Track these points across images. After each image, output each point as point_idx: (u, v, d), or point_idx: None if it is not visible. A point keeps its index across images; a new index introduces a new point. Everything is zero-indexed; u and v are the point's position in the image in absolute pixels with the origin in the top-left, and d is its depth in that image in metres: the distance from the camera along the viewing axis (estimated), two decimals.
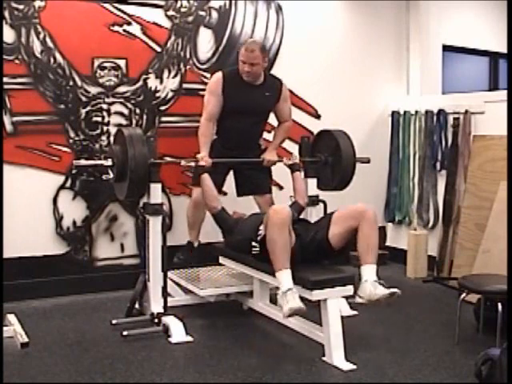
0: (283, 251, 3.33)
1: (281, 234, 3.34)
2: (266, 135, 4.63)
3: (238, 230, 3.89)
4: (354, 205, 3.60)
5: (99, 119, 4.56)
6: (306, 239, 3.61)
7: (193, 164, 4.06)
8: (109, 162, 3.84)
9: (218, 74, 4.26)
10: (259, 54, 4.13)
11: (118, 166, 3.78)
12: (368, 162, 4.52)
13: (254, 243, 3.69)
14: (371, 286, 3.34)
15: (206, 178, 3.97)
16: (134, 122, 4.66)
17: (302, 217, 4.08)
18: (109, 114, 4.59)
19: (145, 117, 4.70)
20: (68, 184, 4.51)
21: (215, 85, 4.21)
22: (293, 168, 4.28)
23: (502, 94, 4.60)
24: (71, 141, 4.49)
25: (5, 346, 3.43)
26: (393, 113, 5.64)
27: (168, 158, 4.47)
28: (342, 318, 3.46)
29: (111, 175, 3.85)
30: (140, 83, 4.67)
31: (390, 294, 3.31)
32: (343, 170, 4.31)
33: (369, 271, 3.41)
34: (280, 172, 4.57)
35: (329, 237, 3.59)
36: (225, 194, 4.51)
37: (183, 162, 3.99)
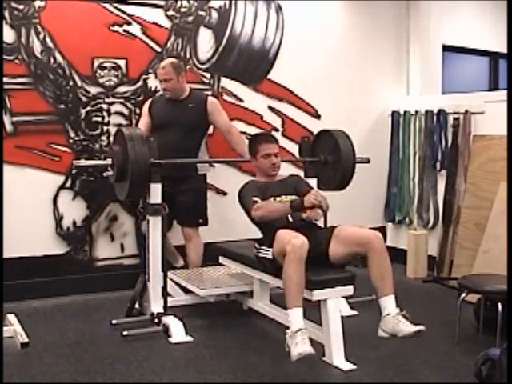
0: (298, 288, 3.19)
1: (297, 270, 3.18)
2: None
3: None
4: (359, 229, 3.47)
5: (99, 119, 4.56)
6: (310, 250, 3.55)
7: None
8: (109, 162, 3.84)
9: (149, 99, 4.51)
10: (171, 70, 4.32)
11: (118, 166, 3.78)
12: (368, 162, 4.52)
13: (256, 245, 3.65)
14: (394, 320, 3.24)
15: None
16: (133, 121, 4.66)
17: None
18: (109, 114, 4.59)
19: None
20: (68, 184, 4.51)
21: (145, 107, 4.48)
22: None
23: (502, 94, 4.59)
24: (71, 141, 4.49)
25: (5, 346, 3.43)
26: (393, 113, 5.64)
27: None
28: (342, 317, 3.47)
29: (111, 172, 3.84)
30: (140, 83, 4.67)
31: (416, 333, 3.15)
32: (343, 169, 4.30)
33: (389, 304, 3.30)
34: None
35: (329, 253, 3.50)
36: (224, 193, 4.51)
37: None
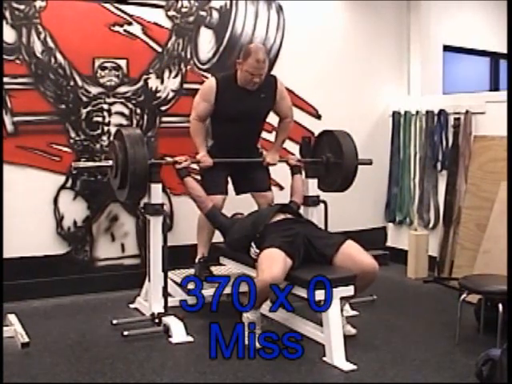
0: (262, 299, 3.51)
1: (260, 297, 3.46)
2: (265, 135, 4.63)
3: (235, 228, 3.89)
4: (364, 256, 3.58)
5: (100, 119, 4.56)
6: (314, 246, 3.61)
7: (195, 165, 4.07)
8: (108, 163, 3.82)
9: (212, 81, 4.12)
10: (267, 61, 4.02)
11: (117, 168, 3.76)
12: (370, 163, 4.50)
13: (253, 244, 3.69)
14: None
15: (190, 180, 3.97)
16: (134, 122, 4.66)
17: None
18: (109, 114, 4.59)
19: (145, 117, 4.70)
20: (69, 184, 4.51)
21: (208, 92, 4.08)
22: (294, 170, 4.29)
23: (503, 95, 4.59)
24: (72, 141, 4.49)
25: (5, 346, 3.43)
26: (393, 113, 5.64)
27: (169, 159, 4.45)
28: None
29: (114, 178, 3.82)
30: (141, 83, 4.67)
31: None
32: (345, 171, 4.28)
33: None
34: (280, 172, 4.57)
35: (333, 262, 3.59)
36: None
37: (185, 163, 3.98)
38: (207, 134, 4.25)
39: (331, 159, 4.34)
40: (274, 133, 4.64)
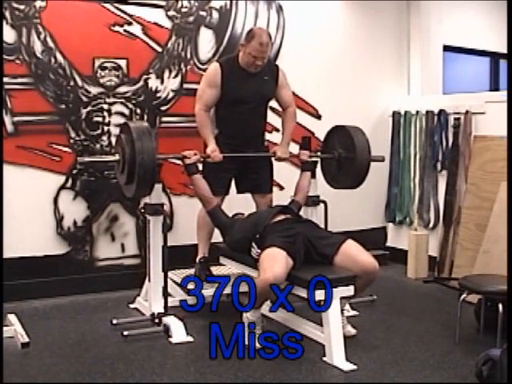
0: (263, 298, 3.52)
1: (261, 297, 3.47)
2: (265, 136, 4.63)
3: (236, 229, 3.89)
4: (365, 256, 3.57)
5: (100, 119, 4.56)
6: (314, 246, 3.61)
7: (200, 158, 4.02)
8: (115, 158, 3.78)
9: (216, 66, 4.10)
10: (270, 45, 4.07)
11: (124, 162, 3.69)
12: (382, 160, 4.48)
13: (253, 244, 3.69)
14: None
15: (199, 178, 3.91)
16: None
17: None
18: (109, 114, 4.59)
19: (145, 117, 4.70)
20: (69, 184, 4.51)
21: (213, 77, 4.06)
22: (304, 167, 4.26)
23: (503, 95, 4.59)
24: (72, 141, 4.49)
25: (5, 346, 3.43)
26: (393, 113, 5.64)
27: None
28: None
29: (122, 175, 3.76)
30: (141, 83, 4.67)
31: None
32: (358, 166, 4.22)
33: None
34: (281, 172, 4.57)
35: (333, 262, 3.59)
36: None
37: (194, 158, 3.88)
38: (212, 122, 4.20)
39: (343, 154, 4.30)
40: (274, 133, 4.66)
